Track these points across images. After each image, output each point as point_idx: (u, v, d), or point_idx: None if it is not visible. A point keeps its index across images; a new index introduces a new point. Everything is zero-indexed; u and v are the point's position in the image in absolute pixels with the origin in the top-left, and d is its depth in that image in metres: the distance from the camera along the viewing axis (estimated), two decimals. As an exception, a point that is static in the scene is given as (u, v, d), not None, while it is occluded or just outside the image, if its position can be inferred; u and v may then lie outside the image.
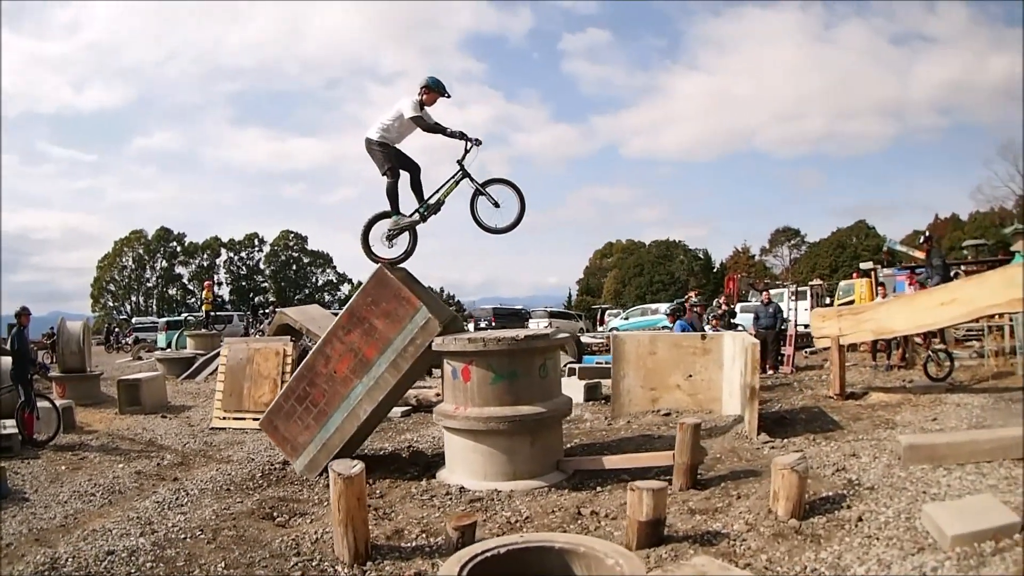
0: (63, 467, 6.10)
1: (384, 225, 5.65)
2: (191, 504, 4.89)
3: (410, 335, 5.16)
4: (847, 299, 14.09)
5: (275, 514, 4.60)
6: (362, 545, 3.70)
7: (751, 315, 12.03)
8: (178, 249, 53.92)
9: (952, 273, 10.44)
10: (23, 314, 6.98)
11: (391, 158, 5.49)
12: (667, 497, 3.74)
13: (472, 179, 5.48)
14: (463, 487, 4.90)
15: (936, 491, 3.89)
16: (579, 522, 4.08)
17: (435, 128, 5.35)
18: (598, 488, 4.77)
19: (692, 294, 13.98)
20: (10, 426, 6.56)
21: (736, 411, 6.95)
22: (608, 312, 30.29)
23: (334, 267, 60.38)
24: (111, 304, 51.71)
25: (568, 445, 6.34)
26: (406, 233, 5.64)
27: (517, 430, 4.86)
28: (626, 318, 23.67)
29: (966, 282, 7.57)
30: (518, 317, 26.64)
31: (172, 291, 53.29)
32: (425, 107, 5.43)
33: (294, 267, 59.15)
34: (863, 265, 15.79)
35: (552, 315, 26.36)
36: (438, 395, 9.46)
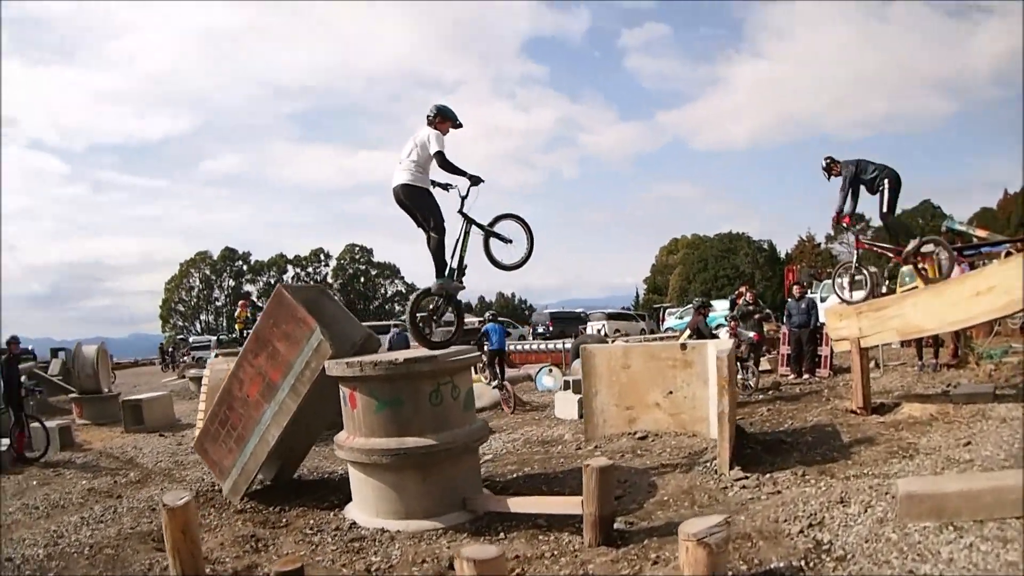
0: (35, 482, 7.10)
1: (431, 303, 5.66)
2: (109, 522, 5.51)
3: (306, 358, 5.37)
4: (912, 286, 12.85)
5: (158, 537, 5.00)
6: None
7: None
8: (244, 268, 59.07)
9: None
10: (12, 342, 8.34)
11: (438, 206, 5.40)
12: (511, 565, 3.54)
13: (479, 225, 5.57)
14: (355, 523, 5.04)
15: (931, 569, 3.17)
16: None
17: (457, 169, 5.25)
18: (503, 534, 4.65)
19: (743, 289, 13.34)
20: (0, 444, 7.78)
21: (724, 434, 6.65)
22: (668, 310, 29.74)
23: (402, 278, 63.81)
24: (180, 324, 57.33)
25: (518, 474, 6.43)
26: (448, 304, 5.66)
27: (403, 464, 4.87)
28: (680, 317, 23.11)
29: (1004, 264, 6.51)
30: (578, 320, 27.24)
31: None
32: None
33: (362, 279, 62.97)
34: (924, 248, 14.21)
35: (611, 316, 26.45)
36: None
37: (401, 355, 5.02)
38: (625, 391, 7.48)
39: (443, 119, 5.51)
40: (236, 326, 20.25)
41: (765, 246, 51.12)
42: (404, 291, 64.26)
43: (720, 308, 17.31)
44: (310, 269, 62.05)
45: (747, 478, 5.25)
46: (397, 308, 60.07)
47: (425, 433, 4.87)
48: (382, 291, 64.21)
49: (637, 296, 58.78)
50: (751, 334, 10.36)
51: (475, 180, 5.42)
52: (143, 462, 8.10)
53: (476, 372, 11.47)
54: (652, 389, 7.39)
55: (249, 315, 20.28)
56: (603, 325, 24.35)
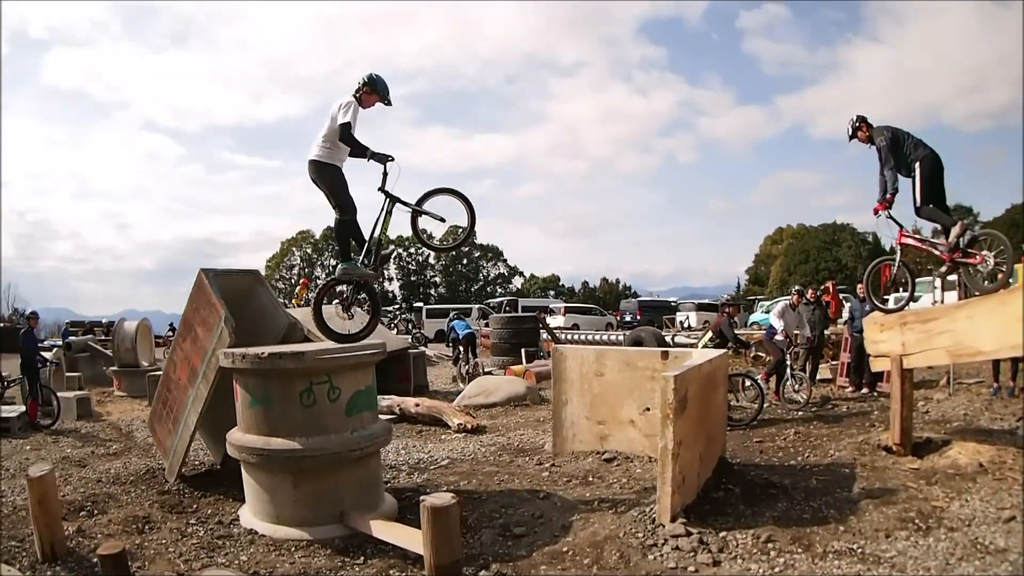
0: (28, 447, 8.11)
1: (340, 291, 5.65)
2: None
3: (214, 345, 5.60)
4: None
5: (75, 508, 5.55)
6: (47, 547, 4.36)
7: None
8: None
9: None
10: (31, 317, 9.68)
11: (344, 185, 5.34)
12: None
13: (403, 202, 5.40)
14: (237, 520, 5.17)
15: None
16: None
17: (356, 144, 5.17)
18: (364, 558, 4.50)
19: (830, 285, 12.15)
20: (8, 411, 8.97)
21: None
22: (758, 302, 28.78)
23: (504, 260, 65.38)
24: (280, 300, 62.41)
25: (456, 486, 6.21)
26: (357, 293, 5.63)
27: (272, 467, 4.85)
28: (766, 311, 21.98)
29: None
30: (667, 310, 26.96)
31: (341, 288, 62.61)
32: (360, 111, 5.27)
33: (464, 261, 65.01)
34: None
35: (701, 308, 25.62)
36: (417, 405, 10.06)
37: (265, 350, 4.93)
38: (597, 403, 7.01)
39: (371, 91, 5.37)
40: (294, 303, 21.82)
41: (869, 238, 50.41)
42: (506, 273, 65.75)
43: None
44: (412, 250, 64.96)
45: (687, 535, 4.33)
46: (499, 290, 61.54)
47: (293, 435, 4.79)
48: (484, 273, 65.93)
49: (739, 287, 59.20)
50: (807, 334, 9.42)
51: (380, 158, 5.27)
52: (138, 436, 9.00)
53: (455, 365, 14.65)
54: (627, 403, 6.86)
55: (308, 295, 21.73)
56: (685, 317, 23.84)
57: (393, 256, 63.68)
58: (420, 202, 5.42)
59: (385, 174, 5.37)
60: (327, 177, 5.32)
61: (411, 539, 4.32)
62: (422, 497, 3.91)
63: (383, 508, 5.35)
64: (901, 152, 6.01)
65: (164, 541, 4.88)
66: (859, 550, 4.14)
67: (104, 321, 18.24)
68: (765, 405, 8.76)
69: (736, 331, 9.88)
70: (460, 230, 5.81)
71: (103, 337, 17.00)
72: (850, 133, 6.38)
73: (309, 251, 63.96)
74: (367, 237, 5.54)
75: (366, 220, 5.58)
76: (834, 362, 11.24)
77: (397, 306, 27.97)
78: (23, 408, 9.16)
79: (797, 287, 10.11)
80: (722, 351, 6.70)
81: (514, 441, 8.21)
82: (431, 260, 65.13)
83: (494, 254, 66.10)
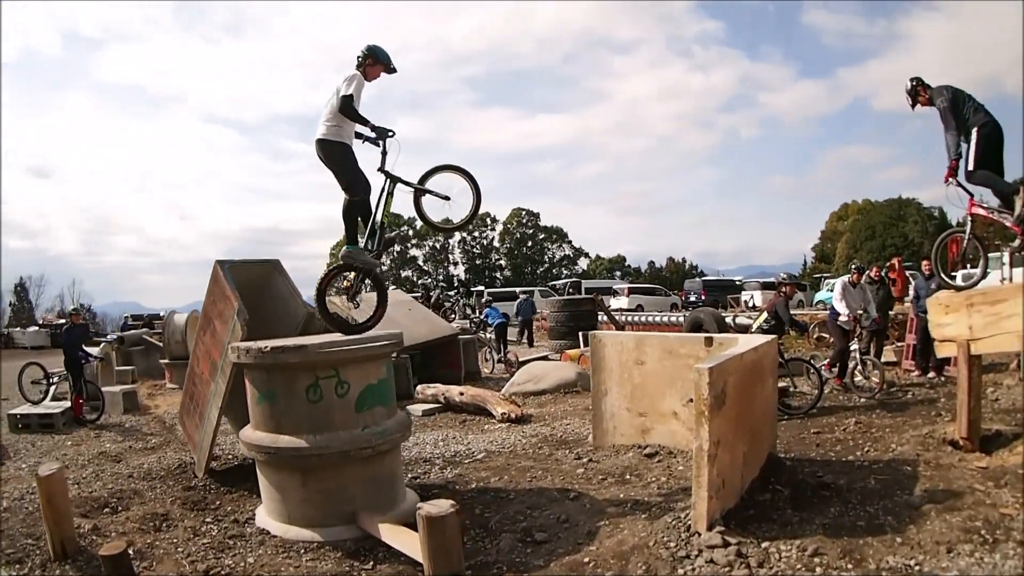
0: (70, 443, 8.46)
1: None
2: (85, 484, 6.35)
3: (229, 338, 5.57)
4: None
5: (100, 505, 5.72)
6: (58, 544, 4.46)
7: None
8: (410, 232, 63.88)
9: None
10: (74, 313, 10.08)
11: (353, 164, 5.17)
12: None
13: (405, 181, 5.25)
14: (251, 518, 5.17)
15: None
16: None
17: (360, 118, 5.00)
18: (373, 562, 4.37)
19: (895, 262, 11.30)
20: (54, 407, 9.42)
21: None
22: (824, 280, 28.04)
23: (569, 242, 65.10)
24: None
25: (488, 483, 6.03)
26: (367, 282, 5.48)
27: (280, 465, 4.79)
28: (831, 289, 21.02)
29: None
30: (733, 289, 28.14)
31: (407, 272, 63.58)
32: (365, 84, 5.16)
33: (529, 243, 64.96)
34: None
35: (766, 286, 24.82)
36: (462, 393, 9.92)
37: (267, 344, 4.81)
38: (638, 394, 6.65)
39: (374, 61, 5.23)
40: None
41: (935, 213, 50.19)
42: (571, 255, 65.24)
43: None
44: (476, 233, 65.37)
45: (724, 546, 3.95)
46: (564, 272, 61.18)
47: (299, 433, 4.69)
48: (549, 255, 65.74)
49: (805, 264, 58.93)
50: (873, 315, 8.70)
51: (381, 132, 5.09)
52: (179, 430, 9.23)
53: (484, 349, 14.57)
54: (669, 394, 6.47)
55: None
56: (750, 296, 23.22)
57: (458, 241, 64.27)
58: (422, 181, 5.28)
59: (384, 152, 5.22)
60: (335, 156, 5.16)
61: (416, 546, 4.12)
62: (419, 505, 3.68)
63: (402, 508, 5.19)
64: (960, 114, 5.40)
65: (176, 540, 4.91)
66: (916, 568, 3.68)
67: (162, 314, 19.13)
68: (827, 391, 8.23)
69: (795, 312, 9.24)
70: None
71: (159, 330, 17.81)
72: (910, 100, 5.86)
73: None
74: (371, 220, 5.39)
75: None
76: (899, 344, 10.45)
77: (455, 290, 28.14)
78: (68, 404, 9.59)
79: (856, 263, 9.39)
80: (770, 337, 6.17)
81: (557, 432, 7.99)
82: (495, 243, 65.40)
83: (559, 236, 65.78)
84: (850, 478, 5.29)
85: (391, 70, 5.36)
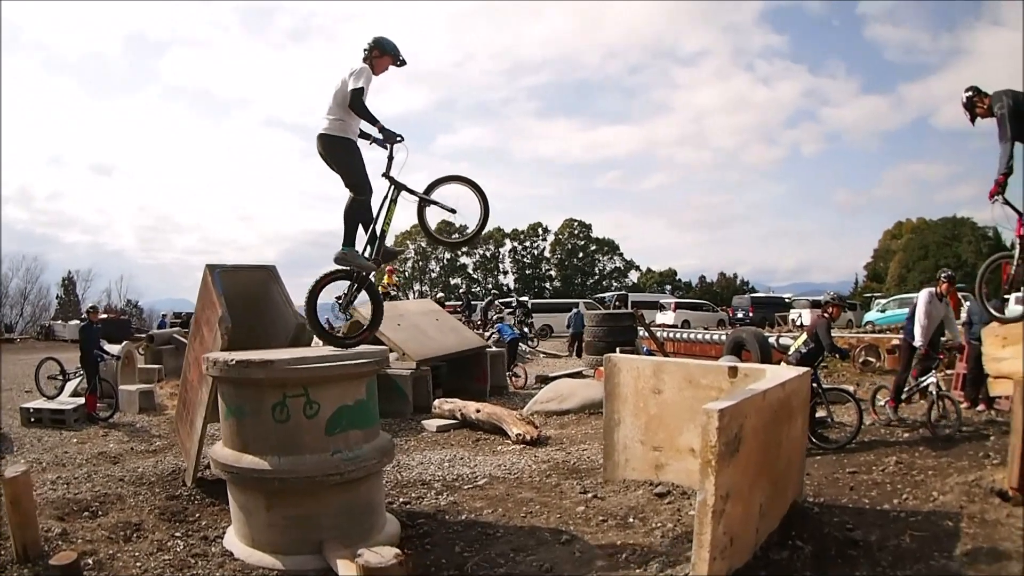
0: (76, 440, 8.47)
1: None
2: (74, 485, 6.27)
3: (213, 347, 5.45)
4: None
5: (80, 508, 5.58)
6: (20, 547, 4.34)
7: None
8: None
9: None
10: (91, 312, 10.18)
11: (358, 162, 4.94)
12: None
13: (411, 190, 5.02)
14: (220, 537, 4.92)
15: None
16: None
17: (370, 115, 4.74)
18: None
19: (941, 275, 10.21)
20: (67, 403, 9.48)
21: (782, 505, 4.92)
22: (875, 299, 27.43)
23: (620, 254, 64.60)
24: (392, 294, 64.90)
25: (480, 514, 5.62)
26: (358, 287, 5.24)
27: (244, 485, 4.52)
28: (882, 310, 19.92)
29: None
30: (782, 306, 27.47)
31: (456, 280, 63.78)
32: (373, 78, 4.89)
33: (580, 255, 64.39)
34: None
35: (815, 305, 23.84)
36: (478, 411, 9.50)
37: (234, 356, 4.53)
38: (654, 425, 6.09)
39: (381, 53, 4.98)
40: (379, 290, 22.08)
41: (990, 233, 47.40)
42: (622, 267, 64.41)
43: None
44: (527, 243, 65.22)
45: None
46: (613, 285, 60.32)
47: (264, 453, 4.39)
48: (599, 267, 65.07)
49: (856, 283, 58.13)
50: (958, 337, 7.85)
51: (390, 136, 4.81)
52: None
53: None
54: (688, 428, 5.88)
55: (396, 281, 22.02)
56: (798, 314, 22.36)
57: (508, 251, 64.10)
58: (429, 191, 5.04)
59: (390, 158, 4.98)
60: (340, 152, 4.91)
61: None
62: (360, 551, 3.28)
63: (377, 539, 4.79)
64: (1022, 121, 4.69)
65: (138, 553, 4.70)
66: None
67: (182, 313, 19.44)
68: (867, 423, 7.50)
69: (841, 333, 8.40)
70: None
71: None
72: (968, 114, 5.25)
73: (423, 244, 66.06)
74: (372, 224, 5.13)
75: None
76: (949, 372, 9.38)
77: (511, 307, 27.89)
78: (81, 401, 9.66)
79: (947, 272, 8.04)
80: (802, 370, 5.50)
81: (571, 458, 7.49)
82: (546, 253, 65.10)
83: (610, 247, 65.08)
84: (883, 533, 4.66)
85: (400, 63, 5.11)
